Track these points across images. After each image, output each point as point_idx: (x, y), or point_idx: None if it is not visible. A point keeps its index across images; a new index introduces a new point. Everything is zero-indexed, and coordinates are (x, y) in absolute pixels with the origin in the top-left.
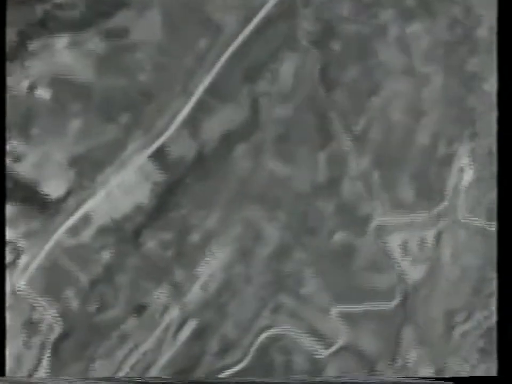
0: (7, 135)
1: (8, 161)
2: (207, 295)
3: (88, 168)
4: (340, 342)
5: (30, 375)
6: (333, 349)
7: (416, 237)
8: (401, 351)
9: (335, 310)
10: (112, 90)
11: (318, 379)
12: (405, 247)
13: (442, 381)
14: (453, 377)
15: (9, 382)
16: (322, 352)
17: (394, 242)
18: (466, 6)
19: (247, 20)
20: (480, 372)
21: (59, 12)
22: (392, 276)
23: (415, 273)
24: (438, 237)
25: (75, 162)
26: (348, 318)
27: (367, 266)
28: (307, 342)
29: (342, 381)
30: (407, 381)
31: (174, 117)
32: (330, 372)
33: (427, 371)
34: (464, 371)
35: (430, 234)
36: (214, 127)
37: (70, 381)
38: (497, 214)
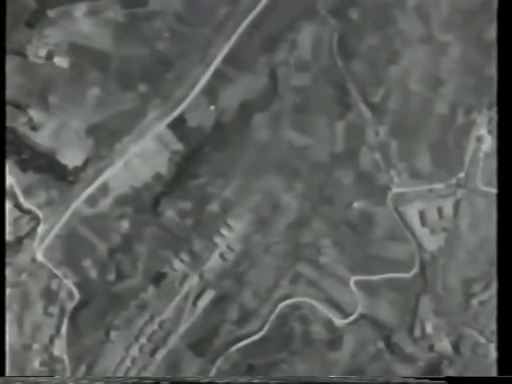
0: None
1: (26, 130)
2: (225, 264)
3: (106, 137)
4: (358, 312)
5: (51, 342)
6: (351, 318)
7: (434, 206)
8: (418, 320)
9: (353, 280)
10: (130, 59)
11: (320, 379)
12: (423, 216)
13: (437, 381)
14: (452, 377)
15: (9, 382)
16: (341, 322)
17: (412, 212)
18: None
19: None
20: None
21: None
22: (411, 245)
23: (433, 242)
24: (456, 207)
25: (93, 131)
26: (366, 287)
27: (385, 236)
28: (325, 311)
29: (343, 381)
30: (406, 381)
31: (192, 86)
32: (348, 341)
33: (444, 342)
34: (481, 341)
35: (448, 204)
36: (232, 96)
37: (70, 380)
38: None
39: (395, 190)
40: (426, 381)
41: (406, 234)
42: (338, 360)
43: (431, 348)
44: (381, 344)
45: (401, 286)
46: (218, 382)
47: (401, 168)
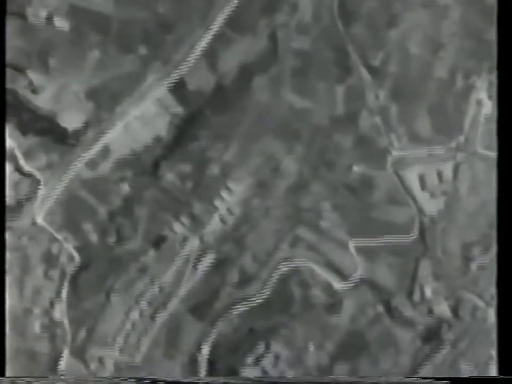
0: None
1: (26, 93)
2: (225, 227)
3: (106, 100)
4: (358, 276)
5: (52, 306)
6: (351, 282)
7: (433, 170)
8: (418, 284)
9: (353, 244)
10: (130, 22)
11: (318, 379)
12: (423, 180)
13: (440, 381)
14: (452, 378)
15: (9, 382)
16: (340, 286)
17: (412, 175)
18: None
19: None
20: (494, 307)
21: None
22: (410, 209)
23: (433, 206)
24: (456, 170)
25: (93, 94)
26: (366, 251)
27: (385, 200)
28: (325, 275)
29: (343, 381)
30: (405, 381)
31: (192, 48)
32: (348, 305)
33: (443, 306)
34: (480, 305)
35: (447, 168)
36: (232, 59)
37: (71, 380)
38: None
39: (395, 153)
40: (429, 381)
41: (406, 198)
42: (337, 324)
43: (430, 312)
44: (380, 308)
45: (401, 250)
46: (219, 382)
47: (401, 132)
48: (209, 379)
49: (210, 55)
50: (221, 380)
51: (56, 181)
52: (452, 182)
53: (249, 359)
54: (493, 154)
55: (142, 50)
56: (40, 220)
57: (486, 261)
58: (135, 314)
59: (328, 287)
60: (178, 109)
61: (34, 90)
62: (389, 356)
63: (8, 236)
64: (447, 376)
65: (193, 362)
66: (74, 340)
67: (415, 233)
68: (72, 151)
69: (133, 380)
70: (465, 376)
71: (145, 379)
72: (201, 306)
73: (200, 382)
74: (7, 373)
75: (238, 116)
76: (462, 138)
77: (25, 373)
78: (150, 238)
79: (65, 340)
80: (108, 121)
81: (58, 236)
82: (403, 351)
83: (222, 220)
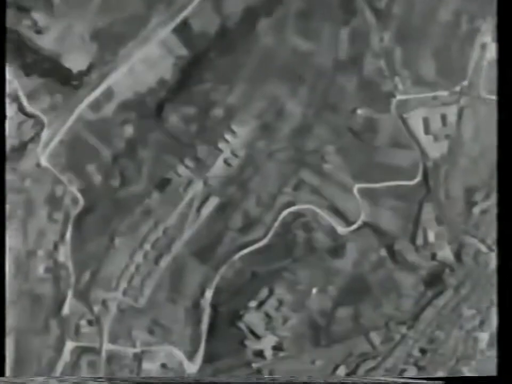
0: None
1: (30, 33)
2: (229, 170)
3: (111, 42)
4: (361, 220)
5: (55, 248)
6: (354, 226)
7: (437, 113)
8: (421, 228)
9: (356, 187)
10: None
11: (319, 380)
12: (426, 124)
13: (435, 381)
14: (452, 377)
15: (9, 382)
16: (343, 230)
17: (416, 119)
18: None
19: None
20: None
21: None
22: (414, 153)
23: (436, 150)
24: (459, 114)
25: (98, 35)
26: (369, 195)
27: (389, 144)
28: (328, 219)
29: (342, 381)
30: (403, 381)
31: None
32: (351, 249)
33: (446, 250)
34: (482, 250)
35: (451, 111)
36: (237, 1)
37: (72, 380)
38: None
39: (399, 97)
40: (426, 381)
41: (410, 141)
42: (340, 268)
43: (433, 256)
44: (384, 252)
45: (404, 193)
46: (219, 382)
47: (405, 75)
48: (211, 378)
49: None
50: (223, 379)
51: (60, 122)
52: (455, 126)
53: (252, 303)
54: (495, 98)
55: None
56: (44, 162)
57: (488, 206)
58: (139, 257)
59: (331, 231)
60: (183, 51)
61: (38, 31)
62: (392, 300)
63: (11, 177)
64: (448, 319)
65: (196, 307)
66: (78, 282)
67: (419, 177)
68: (76, 92)
69: (133, 379)
70: (465, 375)
71: (150, 379)
72: (205, 250)
73: (201, 381)
74: (8, 318)
75: (242, 59)
76: (466, 82)
77: (28, 316)
78: (154, 181)
79: (69, 283)
80: (112, 63)
81: (62, 178)
82: (406, 295)
83: (226, 163)
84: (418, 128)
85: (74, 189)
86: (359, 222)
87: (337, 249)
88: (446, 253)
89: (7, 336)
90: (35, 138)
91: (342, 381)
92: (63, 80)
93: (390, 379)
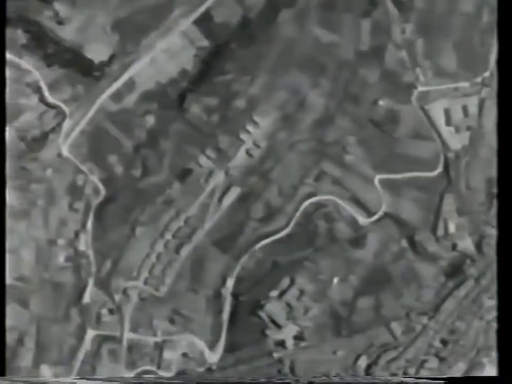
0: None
1: (52, 24)
2: (251, 161)
3: (132, 33)
4: (382, 210)
5: (76, 237)
6: (375, 217)
7: (459, 105)
8: (442, 219)
9: (377, 178)
10: None
11: (319, 379)
12: (448, 115)
13: (437, 381)
14: (451, 378)
15: (9, 382)
16: (365, 220)
17: (437, 110)
18: None
19: None
20: None
21: None
22: (435, 144)
23: (457, 141)
24: (481, 105)
25: (120, 26)
26: (390, 186)
27: (410, 135)
28: (350, 209)
29: (343, 381)
30: (404, 381)
31: None
32: (372, 240)
33: (466, 241)
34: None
35: (472, 103)
36: None
37: (72, 380)
38: None
39: (420, 88)
40: (427, 381)
41: (431, 133)
42: (361, 259)
43: (454, 247)
44: (405, 243)
45: (425, 184)
46: (220, 382)
47: (427, 66)
48: (213, 379)
49: None
50: (227, 379)
51: (81, 113)
52: (476, 117)
53: (274, 293)
54: None
55: None
56: (65, 152)
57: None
58: (160, 247)
59: (352, 222)
60: (204, 42)
61: (60, 22)
62: (412, 291)
63: (33, 167)
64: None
65: (217, 296)
66: (99, 271)
67: (440, 168)
68: (98, 83)
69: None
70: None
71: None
72: (226, 240)
73: (202, 382)
74: (31, 305)
75: (264, 49)
76: (487, 74)
77: (49, 305)
78: (175, 171)
79: (89, 271)
80: (133, 54)
81: (84, 168)
82: (426, 286)
83: (248, 153)
84: (440, 120)
85: (95, 179)
86: (380, 213)
87: (358, 240)
88: (466, 244)
89: (29, 324)
90: (56, 128)
91: (342, 381)
92: (84, 71)
93: (390, 378)
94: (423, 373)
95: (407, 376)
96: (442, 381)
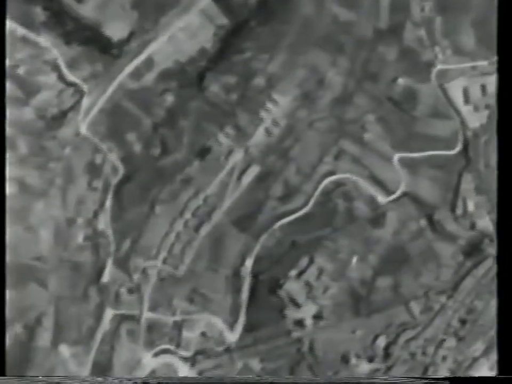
0: None
1: (71, 2)
2: (270, 139)
3: (151, 11)
4: (401, 189)
5: (95, 216)
6: (394, 196)
7: (477, 83)
8: (460, 198)
9: (396, 157)
10: None
11: (318, 379)
12: (466, 93)
13: (439, 381)
14: (451, 377)
15: (9, 382)
16: (384, 199)
17: (456, 89)
18: None
19: None
20: None
21: None
22: (454, 122)
23: (476, 120)
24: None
25: (139, 4)
26: (409, 165)
27: (429, 113)
28: (368, 188)
29: (344, 381)
30: (405, 381)
31: None
32: (391, 218)
33: (485, 220)
34: None
35: (491, 81)
36: None
37: (73, 380)
38: None
39: (439, 66)
40: (428, 380)
41: (450, 111)
42: (380, 238)
43: (472, 226)
44: (423, 222)
45: (444, 163)
46: (222, 382)
47: (445, 44)
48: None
49: None
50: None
51: (100, 91)
52: (495, 96)
53: (293, 272)
54: None
55: None
56: (83, 130)
57: None
58: (179, 226)
59: (371, 201)
60: (223, 20)
61: (79, 0)
62: (431, 270)
63: (51, 145)
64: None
65: (236, 275)
66: (118, 250)
67: (459, 147)
68: (116, 61)
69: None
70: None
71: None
72: (245, 219)
73: (202, 382)
74: (50, 285)
75: (283, 28)
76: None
77: (67, 284)
78: (194, 149)
79: (108, 251)
80: (152, 32)
81: (102, 146)
82: (445, 265)
83: (267, 132)
84: (458, 98)
85: (114, 157)
86: (399, 192)
87: (377, 219)
88: (485, 223)
89: (48, 304)
90: (75, 106)
91: (343, 381)
92: (103, 48)
93: (390, 379)
94: (442, 352)
95: (406, 376)
96: (444, 381)
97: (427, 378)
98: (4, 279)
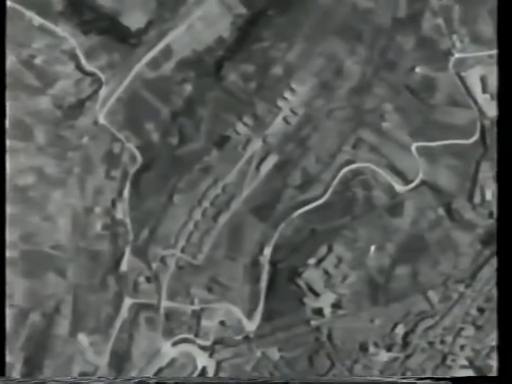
0: None
1: None
2: (288, 128)
3: (169, 0)
4: (419, 178)
5: (113, 205)
6: (412, 184)
7: (495, 72)
8: (478, 187)
9: (414, 146)
10: None
11: (319, 379)
12: (484, 82)
13: (441, 381)
14: (452, 378)
15: (9, 382)
16: (402, 188)
17: (473, 77)
18: None
19: None
20: None
21: None
22: (472, 111)
23: (493, 108)
24: None
25: None
26: (427, 153)
27: (447, 102)
28: (387, 177)
29: (346, 381)
30: (406, 381)
31: None
32: (409, 207)
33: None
34: None
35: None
36: None
37: (75, 380)
38: None
39: (457, 55)
40: (429, 381)
41: (467, 100)
42: (399, 227)
43: (490, 215)
44: (441, 211)
45: (461, 152)
46: (222, 382)
47: (463, 33)
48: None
49: None
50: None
51: (117, 80)
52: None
53: (311, 261)
54: None
55: None
56: (101, 119)
57: None
58: (197, 215)
59: (389, 189)
60: (241, 10)
61: None
62: (449, 259)
63: (69, 135)
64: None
65: (255, 264)
66: (136, 239)
67: (476, 136)
68: (134, 50)
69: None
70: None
71: (151, 379)
72: (264, 208)
73: (203, 382)
74: (68, 273)
75: (301, 16)
76: None
77: (86, 273)
78: (213, 139)
79: (126, 239)
80: (170, 21)
81: (120, 136)
82: (463, 254)
83: (285, 120)
84: (476, 87)
85: (132, 147)
86: (417, 181)
87: (395, 207)
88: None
89: (66, 293)
90: (93, 96)
91: (343, 381)
92: (121, 38)
93: (390, 379)
94: (460, 341)
95: (407, 376)
96: (445, 381)
97: (427, 378)
98: (4, 278)
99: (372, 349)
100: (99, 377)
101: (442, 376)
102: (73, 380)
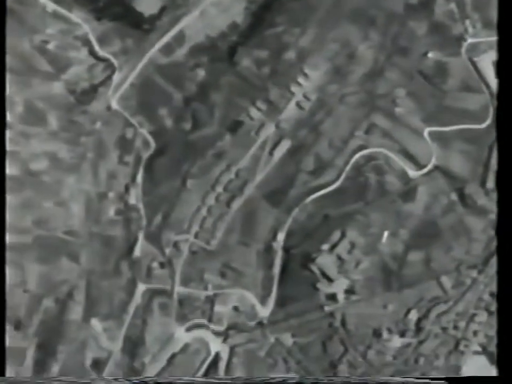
0: None
1: None
2: (301, 113)
3: None
4: (432, 163)
5: (127, 191)
6: (425, 170)
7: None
8: (491, 172)
9: (427, 131)
10: None
11: (319, 380)
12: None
13: (437, 381)
14: (451, 378)
15: (9, 382)
16: (415, 173)
17: (486, 62)
18: None
19: None
20: None
21: None
22: (484, 96)
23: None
24: None
25: None
26: (440, 139)
27: (459, 87)
28: (400, 162)
29: (345, 381)
30: (404, 381)
31: None
32: (422, 192)
33: None
34: None
35: None
36: None
37: (75, 380)
38: None
39: (469, 40)
40: (427, 381)
41: (480, 85)
42: (412, 212)
43: None
44: (454, 196)
45: (474, 137)
46: (223, 382)
47: (476, 18)
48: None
49: None
50: (227, 380)
51: (130, 66)
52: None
53: (325, 246)
54: None
55: None
56: (114, 105)
57: None
58: (211, 200)
59: (402, 174)
60: None
61: None
62: (462, 244)
63: (82, 120)
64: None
65: (268, 250)
66: (150, 224)
67: (489, 121)
68: (147, 36)
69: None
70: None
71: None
72: (277, 193)
73: (202, 382)
74: (81, 259)
75: (315, 2)
76: None
77: (99, 259)
78: (226, 124)
79: (140, 225)
80: (183, 7)
81: (133, 121)
82: (476, 240)
83: (299, 106)
84: (489, 72)
85: (145, 132)
86: (430, 166)
87: (408, 193)
88: None
89: (79, 278)
90: (106, 81)
91: (343, 381)
92: (134, 24)
93: (390, 379)
94: (473, 326)
95: (406, 376)
96: (443, 381)
97: (425, 379)
98: (4, 279)
99: (385, 334)
100: (99, 377)
101: (441, 376)
102: (73, 379)
